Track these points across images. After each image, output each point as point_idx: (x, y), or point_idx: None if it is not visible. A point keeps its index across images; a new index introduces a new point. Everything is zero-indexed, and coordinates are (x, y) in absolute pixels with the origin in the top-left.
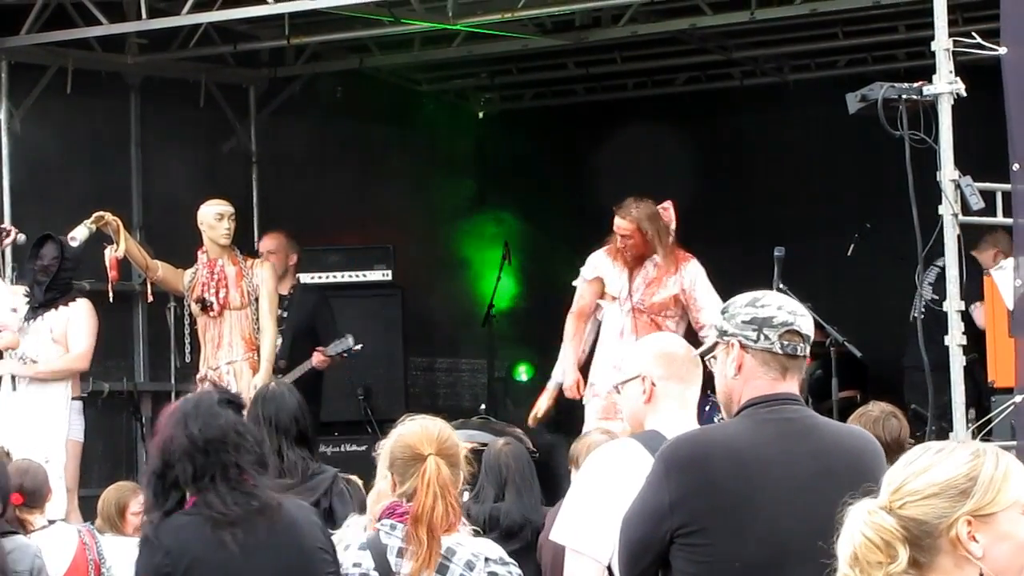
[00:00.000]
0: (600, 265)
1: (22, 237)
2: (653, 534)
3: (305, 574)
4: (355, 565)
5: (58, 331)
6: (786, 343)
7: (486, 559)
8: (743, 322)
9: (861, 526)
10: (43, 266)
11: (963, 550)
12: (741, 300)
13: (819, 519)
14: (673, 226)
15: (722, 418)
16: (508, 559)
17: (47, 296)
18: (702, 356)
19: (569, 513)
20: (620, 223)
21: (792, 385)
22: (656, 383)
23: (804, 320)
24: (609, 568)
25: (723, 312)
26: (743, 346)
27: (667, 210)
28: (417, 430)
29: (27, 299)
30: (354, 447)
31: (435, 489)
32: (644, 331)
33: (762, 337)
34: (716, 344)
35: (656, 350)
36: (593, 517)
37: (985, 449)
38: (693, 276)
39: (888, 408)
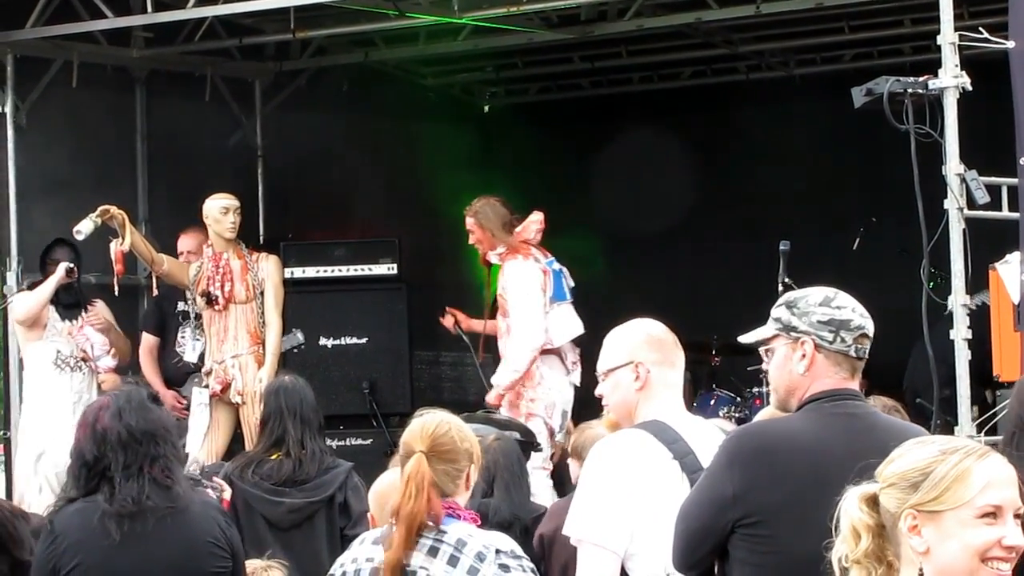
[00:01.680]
0: None
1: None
2: (714, 524)
3: (188, 566)
4: (368, 560)
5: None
6: (860, 346)
7: (497, 551)
8: (819, 322)
9: (843, 514)
10: (68, 269)
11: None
12: (814, 298)
13: None
14: (521, 228)
15: (728, 412)
16: (520, 552)
17: (79, 297)
18: (756, 347)
19: (583, 507)
20: (466, 220)
21: (856, 383)
22: (651, 369)
23: (870, 322)
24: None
25: (790, 307)
26: (817, 346)
27: (527, 219)
28: (416, 427)
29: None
30: (359, 441)
31: (413, 485)
32: (507, 332)
33: (839, 339)
34: (775, 337)
35: (644, 335)
36: (608, 510)
37: (960, 448)
38: (507, 277)
39: (890, 403)
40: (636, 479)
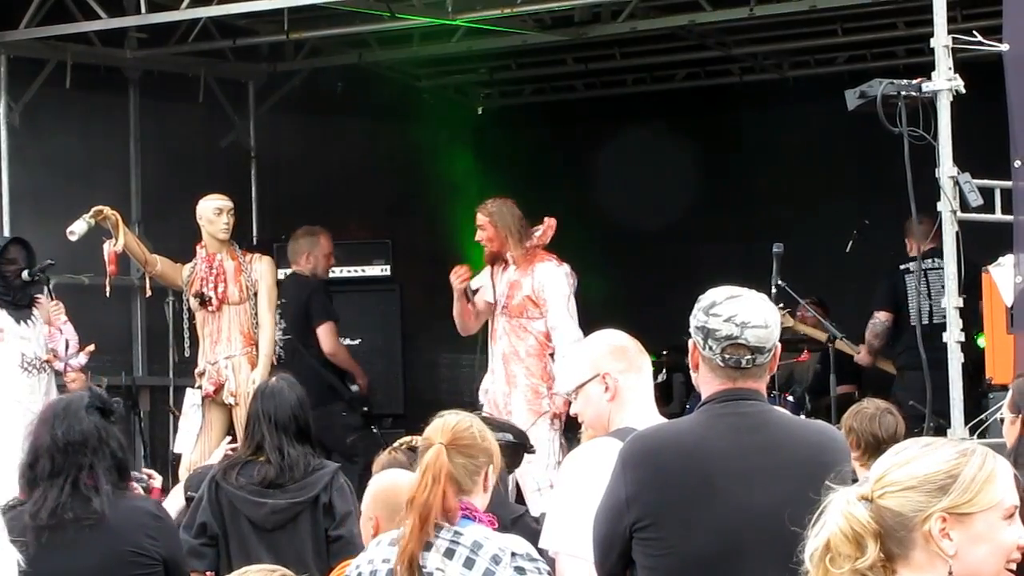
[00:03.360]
0: (481, 277)
1: None
2: (615, 530)
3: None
4: (384, 561)
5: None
6: (728, 356)
7: (513, 554)
8: (695, 327)
9: (838, 516)
10: (18, 269)
11: (935, 546)
12: (704, 300)
13: (769, 512)
14: (539, 235)
15: None
16: (536, 555)
17: (30, 294)
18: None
19: (557, 518)
20: (478, 217)
21: (751, 383)
22: (618, 378)
23: (754, 331)
24: None
25: (695, 306)
26: (696, 348)
27: (544, 224)
28: (438, 423)
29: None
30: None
31: (430, 475)
32: (514, 333)
33: (707, 347)
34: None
35: (606, 347)
36: (582, 520)
37: (975, 450)
38: (544, 278)
39: (883, 405)
40: (603, 487)
